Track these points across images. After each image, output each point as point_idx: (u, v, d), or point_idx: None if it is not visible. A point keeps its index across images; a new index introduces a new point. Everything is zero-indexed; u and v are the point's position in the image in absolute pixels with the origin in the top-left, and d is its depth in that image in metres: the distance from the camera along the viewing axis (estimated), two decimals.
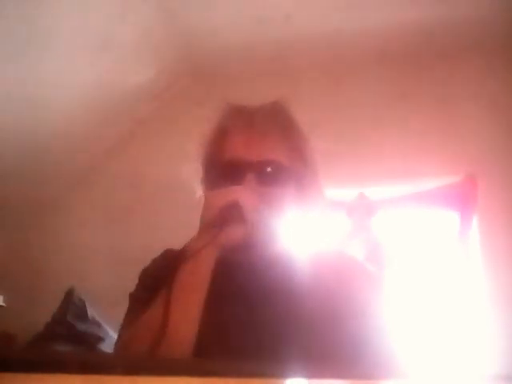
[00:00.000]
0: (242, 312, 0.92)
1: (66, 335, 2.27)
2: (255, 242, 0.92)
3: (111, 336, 2.30)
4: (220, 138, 1.02)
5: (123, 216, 2.68)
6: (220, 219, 0.86)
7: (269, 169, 0.96)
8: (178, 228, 2.07)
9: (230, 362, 0.55)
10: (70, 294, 2.41)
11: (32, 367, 0.44)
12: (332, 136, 2.27)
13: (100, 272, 2.51)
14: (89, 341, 2.27)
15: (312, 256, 0.99)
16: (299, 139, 1.02)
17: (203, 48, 2.71)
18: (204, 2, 2.40)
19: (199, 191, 1.04)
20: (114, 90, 2.62)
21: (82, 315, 2.37)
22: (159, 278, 0.90)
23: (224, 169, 0.98)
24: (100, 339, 2.29)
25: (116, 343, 0.95)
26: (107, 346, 2.26)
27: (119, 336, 0.94)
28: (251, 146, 0.97)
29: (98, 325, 2.35)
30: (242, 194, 0.90)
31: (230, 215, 0.87)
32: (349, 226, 2.57)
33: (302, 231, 1.00)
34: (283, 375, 0.50)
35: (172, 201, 2.47)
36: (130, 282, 1.02)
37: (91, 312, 2.39)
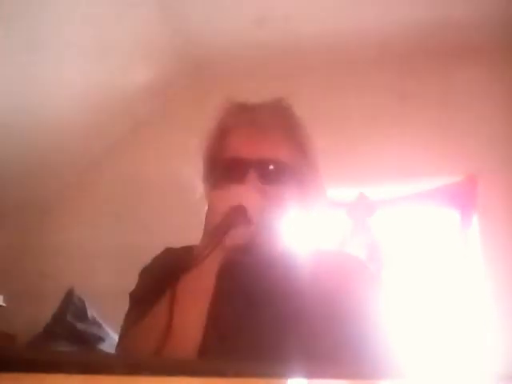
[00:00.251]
0: (244, 312, 0.92)
1: (66, 335, 2.27)
2: (258, 243, 0.92)
3: (111, 336, 2.30)
4: (222, 136, 1.02)
5: (123, 216, 2.68)
6: (225, 223, 0.86)
7: (271, 167, 0.96)
8: (178, 227, 2.08)
9: (230, 361, 0.55)
10: (69, 294, 2.41)
11: (32, 367, 0.44)
12: (332, 136, 2.27)
13: (100, 272, 2.51)
14: (89, 341, 2.27)
15: (313, 255, 0.99)
16: (301, 137, 1.02)
17: (203, 48, 2.71)
18: (204, 2, 2.40)
19: (200, 190, 1.04)
20: (114, 90, 2.62)
21: (82, 315, 2.36)
22: (160, 277, 0.90)
23: (226, 167, 0.98)
24: (100, 339, 2.29)
25: (117, 346, 0.95)
26: (107, 346, 2.26)
27: (121, 338, 0.94)
28: (253, 144, 0.97)
29: (98, 325, 2.35)
30: (246, 195, 0.90)
31: (234, 218, 0.87)
32: (349, 225, 2.57)
33: (303, 230, 1.00)
34: (284, 375, 0.50)
35: (172, 200, 2.47)
36: (130, 282, 1.02)
37: (91, 312, 2.39)
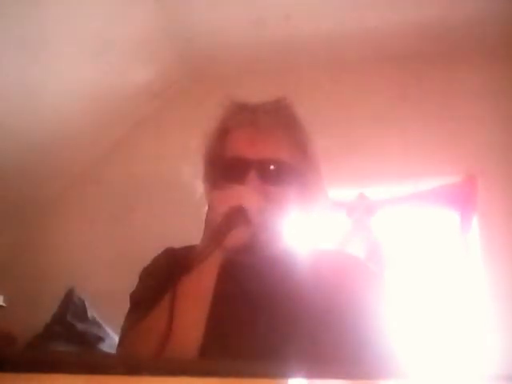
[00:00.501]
0: (244, 312, 0.92)
1: (66, 335, 2.27)
2: (258, 243, 0.92)
3: (111, 336, 2.30)
4: (223, 135, 1.02)
5: (123, 216, 2.68)
6: (225, 224, 0.86)
7: (271, 167, 0.96)
8: (178, 227, 2.08)
9: (231, 362, 0.55)
10: (69, 294, 2.41)
11: (32, 367, 0.44)
12: (332, 136, 2.27)
13: (100, 272, 2.51)
14: (89, 341, 2.27)
15: (314, 255, 0.99)
16: (302, 137, 1.02)
17: (203, 48, 2.71)
18: (204, 2, 2.40)
19: (201, 190, 1.04)
20: (114, 90, 2.61)
21: (82, 315, 2.36)
22: (160, 278, 0.90)
23: (226, 167, 0.98)
24: (100, 339, 2.29)
25: (118, 346, 0.95)
26: (107, 346, 2.26)
27: (121, 339, 0.94)
28: (254, 144, 0.97)
29: (98, 325, 2.35)
30: (246, 196, 0.90)
31: (235, 219, 0.87)
32: (349, 225, 2.57)
33: (304, 230, 1.00)
34: (284, 375, 0.50)
35: (172, 200, 2.47)
36: (130, 282, 1.02)
37: (91, 312, 2.39)
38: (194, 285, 0.86)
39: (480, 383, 0.59)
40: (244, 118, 1.01)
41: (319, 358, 0.84)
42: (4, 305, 2.28)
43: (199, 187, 1.05)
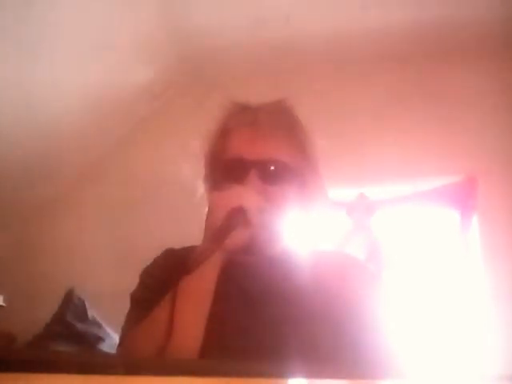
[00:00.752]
0: (244, 312, 0.92)
1: (66, 335, 2.27)
2: (258, 244, 0.92)
3: (111, 336, 2.30)
4: (223, 136, 1.02)
5: (123, 216, 2.68)
6: (225, 225, 0.87)
7: (272, 167, 0.96)
8: (179, 228, 2.08)
9: (231, 362, 0.55)
10: (69, 294, 2.41)
11: (32, 367, 0.44)
12: (332, 136, 2.27)
13: (100, 272, 2.51)
14: (89, 341, 2.27)
15: (313, 256, 0.99)
16: (303, 138, 1.02)
17: (203, 48, 2.71)
18: (204, 3, 2.40)
19: (201, 190, 1.05)
20: (114, 90, 2.61)
21: (82, 315, 2.36)
22: (161, 278, 0.90)
23: (227, 167, 0.98)
24: (100, 339, 2.29)
25: (118, 346, 0.95)
26: (107, 346, 2.26)
27: (122, 339, 0.94)
28: (254, 144, 0.97)
29: (98, 325, 2.35)
30: (246, 196, 0.90)
31: (235, 221, 0.87)
32: (349, 225, 2.57)
33: (304, 230, 1.01)
34: (284, 375, 0.50)
35: (173, 200, 2.47)
36: (131, 282, 1.02)
37: (91, 312, 2.39)
38: (194, 285, 0.86)
39: (480, 383, 0.59)
40: (244, 118, 1.01)
41: (319, 358, 0.84)
42: (4, 305, 2.28)
43: (200, 187, 1.05)
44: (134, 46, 2.50)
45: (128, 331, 0.91)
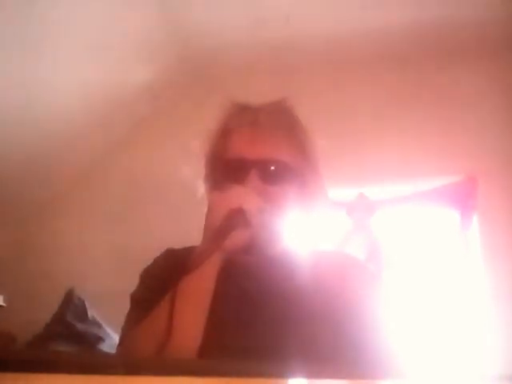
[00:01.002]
0: (244, 313, 0.92)
1: (66, 335, 2.27)
2: (258, 244, 0.92)
3: (111, 336, 2.30)
4: (224, 136, 1.02)
5: (124, 216, 2.68)
6: (225, 226, 0.87)
7: (272, 167, 0.97)
8: (179, 228, 2.08)
9: (230, 362, 0.55)
10: (69, 294, 2.41)
11: (32, 367, 0.44)
12: (332, 136, 2.27)
13: (100, 272, 2.51)
14: (89, 341, 2.27)
15: (313, 256, 0.99)
16: (302, 138, 1.03)
17: (203, 48, 2.71)
18: (204, 3, 2.40)
19: (201, 190, 1.05)
20: (114, 90, 2.61)
21: (82, 315, 2.36)
22: (161, 278, 0.90)
23: (227, 167, 0.98)
24: (100, 339, 2.29)
25: (118, 346, 0.95)
26: (107, 346, 2.25)
27: (122, 339, 0.94)
28: (255, 144, 0.98)
29: (98, 325, 2.35)
30: (246, 197, 0.90)
31: (234, 221, 0.87)
32: (349, 225, 2.57)
33: (304, 230, 1.01)
34: (284, 375, 0.50)
35: (173, 201, 2.47)
36: (131, 282, 1.02)
37: (91, 312, 2.39)
38: (194, 285, 0.86)
39: (480, 383, 0.59)
40: (245, 118, 1.01)
41: (319, 358, 0.84)
42: (4, 305, 2.28)
43: (200, 187, 1.05)
44: (134, 45, 2.50)
45: (128, 331, 0.91)
